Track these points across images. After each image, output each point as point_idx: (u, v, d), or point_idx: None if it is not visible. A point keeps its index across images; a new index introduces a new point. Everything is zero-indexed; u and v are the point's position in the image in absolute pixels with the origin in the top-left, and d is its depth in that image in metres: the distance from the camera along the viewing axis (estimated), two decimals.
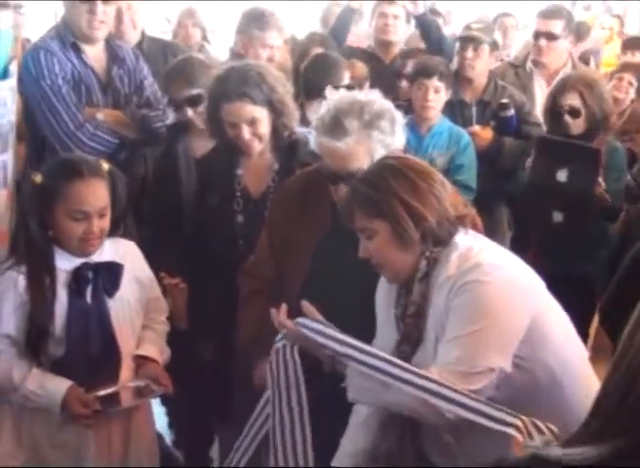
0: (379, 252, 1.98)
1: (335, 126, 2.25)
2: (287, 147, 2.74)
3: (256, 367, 2.44)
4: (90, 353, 2.29)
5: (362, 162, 2.24)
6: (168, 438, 3.30)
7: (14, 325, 2.25)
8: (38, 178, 2.24)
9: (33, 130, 3.23)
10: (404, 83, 3.90)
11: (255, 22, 3.72)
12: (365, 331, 2.22)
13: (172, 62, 3.26)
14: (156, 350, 2.45)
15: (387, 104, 2.32)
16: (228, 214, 2.73)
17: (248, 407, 2.33)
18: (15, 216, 2.98)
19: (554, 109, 3.39)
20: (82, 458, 2.31)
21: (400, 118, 2.33)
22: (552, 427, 1.69)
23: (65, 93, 3.15)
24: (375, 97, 2.33)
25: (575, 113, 3.33)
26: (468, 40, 3.82)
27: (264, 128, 2.69)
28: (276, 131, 2.72)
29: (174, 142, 3.06)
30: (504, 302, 1.86)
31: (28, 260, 2.25)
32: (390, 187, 1.93)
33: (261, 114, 2.66)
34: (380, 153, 2.24)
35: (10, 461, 2.27)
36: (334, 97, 2.36)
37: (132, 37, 3.63)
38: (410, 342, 1.96)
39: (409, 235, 1.92)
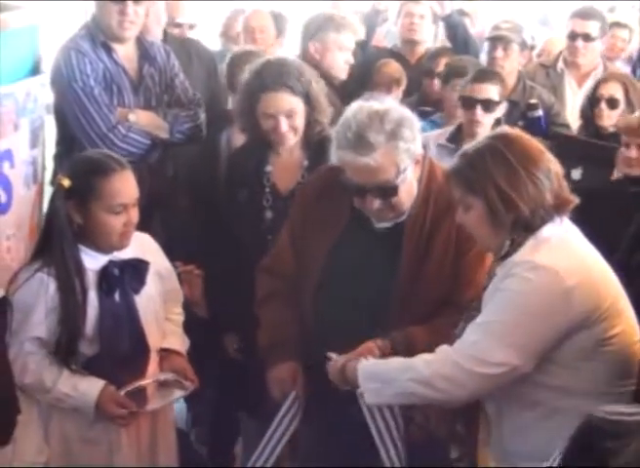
0: (471, 225, 2.08)
1: (359, 142, 2.25)
2: (317, 144, 2.80)
3: (270, 372, 2.47)
4: (121, 351, 2.36)
5: (389, 174, 2.28)
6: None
7: (46, 328, 2.30)
8: (66, 182, 2.29)
9: (63, 130, 3.31)
10: (435, 82, 3.95)
11: (329, 26, 3.68)
12: (381, 327, 2.33)
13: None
14: (179, 342, 2.54)
15: (404, 111, 2.35)
16: (257, 209, 2.79)
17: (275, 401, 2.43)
18: (39, 214, 3.13)
19: (593, 97, 3.47)
20: (113, 455, 2.38)
21: (417, 122, 2.37)
22: None
23: (97, 94, 3.21)
24: (391, 105, 2.35)
25: (613, 103, 3.40)
26: (498, 40, 3.90)
27: (300, 120, 2.77)
28: (308, 126, 2.79)
29: (216, 134, 3.14)
30: (539, 306, 1.92)
31: (59, 263, 2.29)
32: (487, 170, 1.97)
33: (298, 106, 2.75)
34: (405, 162, 2.29)
35: (37, 457, 2.33)
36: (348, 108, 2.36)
37: (154, 34, 3.66)
38: (478, 310, 2.07)
39: (500, 218, 1.98)
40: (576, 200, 2.05)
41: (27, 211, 2.88)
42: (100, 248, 2.37)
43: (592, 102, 3.52)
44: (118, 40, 3.30)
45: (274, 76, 2.74)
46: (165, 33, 3.79)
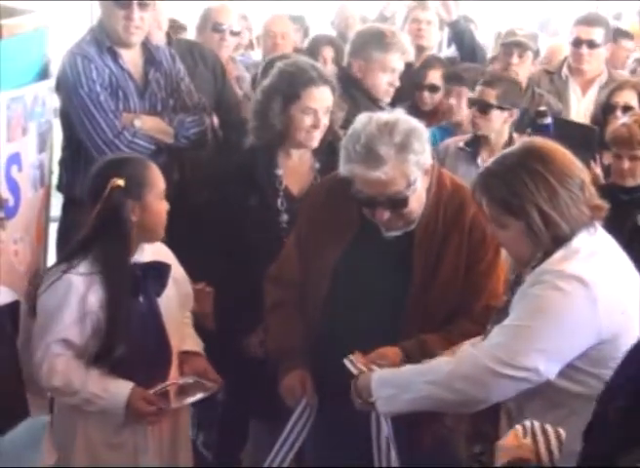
0: (505, 242, 2.11)
1: (369, 155, 2.27)
2: (327, 146, 2.85)
3: (281, 379, 2.50)
4: (146, 353, 2.42)
5: (399, 186, 2.30)
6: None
7: (76, 331, 2.35)
8: (121, 181, 2.38)
9: (69, 135, 3.33)
10: (425, 94, 3.99)
11: (376, 44, 3.55)
12: (391, 336, 2.37)
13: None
14: (196, 344, 2.60)
15: (413, 122, 2.36)
16: (272, 213, 2.83)
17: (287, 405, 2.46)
18: (46, 217, 3.15)
19: (607, 105, 3.53)
20: (138, 458, 2.42)
21: (426, 133, 2.39)
22: (561, 431, 1.78)
23: (103, 100, 3.24)
24: (400, 116, 2.36)
25: (628, 111, 3.45)
26: (514, 45, 3.97)
27: (327, 120, 2.83)
28: (332, 125, 2.84)
29: (240, 139, 3.14)
30: (568, 314, 1.94)
31: (112, 265, 2.38)
32: (528, 194, 1.97)
33: (331, 106, 2.82)
34: (415, 174, 2.32)
35: (46, 459, 2.31)
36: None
37: (157, 37, 3.66)
38: (504, 313, 2.09)
39: (539, 237, 2.00)
40: (606, 205, 2.07)
41: (34, 214, 2.91)
42: (150, 239, 2.49)
43: (606, 110, 3.56)
44: (124, 45, 3.33)
45: (317, 72, 2.80)
46: (169, 37, 3.81)
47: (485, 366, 1.98)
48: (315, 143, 2.84)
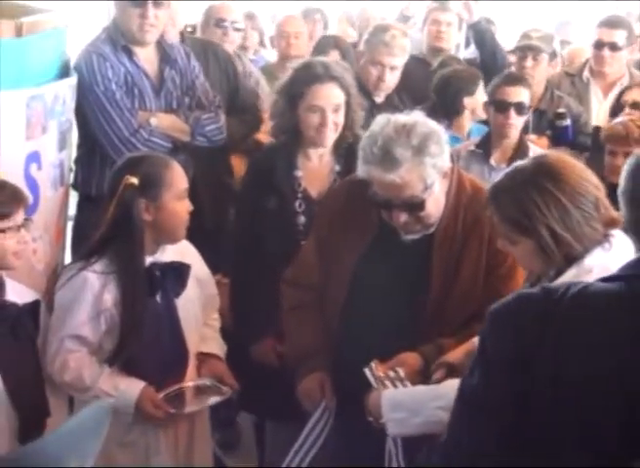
0: (520, 257, 2.11)
1: (385, 157, 2.29)
2: (347, 149, 2.88)
3: (299, 384, 2.54)
4: (161, 352, 2.47)
5: (416, 189, 2.32)
6: None
7: (90, 327, 2.41)
8: (135, 180, 2.42)
9: (84, 133, 3.40)
10: None
11: (369, 38, 3.81)
12: (409, 341, 2.40)
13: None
14: (217, 346, 2.65)
15: (431, 124, 2.38)
16: (290, 215, 2.87)
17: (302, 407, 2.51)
18: (65, 216, 3.23)
19: (618, 104, 3.60)
20: (150, 458, 2.47)
21: (444, 135, 2.40)
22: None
23: (119, 98, 3.30)
24: (418, 118, 2.38)
25: (636, 107, 3.52)
26: (528, 49, 4.03)
27: (342, 119, 2.85)
28: (344, 127, 2.87)
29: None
30: None
31: (127, 264, 2.42)
32: (540, 215, 1.96)
33: (342, 103, 2.84)
34: (432, 177, 2.34)
35: None
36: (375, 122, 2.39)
37: (171, 36, 3.72)
38: None
39: (550, 257, 2.00)
40: (622, 219, 2.01)
41: (54, 213, 2.96)
42: (169, 240, 2.52)
43: (616, 110, 3.63)
44: (139, 43, 3.38)
45: (323, 70, 2.83)
46: (182, 35, 3.87)
47: None
48: (327, 142, 2.87)
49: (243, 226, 3.00)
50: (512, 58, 4.35)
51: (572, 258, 2.01)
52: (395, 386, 2.30)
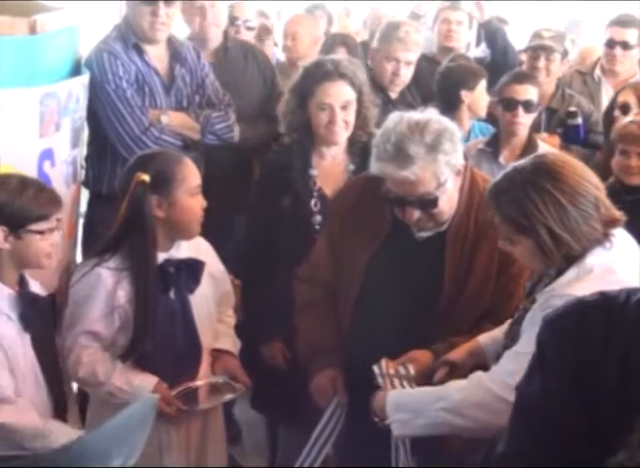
0: (520, 256, 2.13)
1: (399, 154, 2.31)
2: (362, 148, 2.89)
3: (312, 380, 2.57)
4: (174, 349, 2.49)
5: (429, 186, 2.34)
6: None
7: (103, 324, 2.43)
8: (146, 177, 2.45)
9: (95, 130, 3.42)
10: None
11: (383, 34, 3.84)
12: (421, 338, 2.42)
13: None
14: (231, 343, 2.67)
15: (445, 122, 2.39)
16: (306, 214, 2.90)
17: (314, 407, 2.55)
18: (77, 213, 3.27)
19: (610, 105, 3.63)
20: (163, 456, 2.50)
21: (458, 133, 2.42)
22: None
23: (130, 96, 3.34)
24: (432, 116, 2.39)
25: (626, 109, 3.53)
26: (540, 48, 4.07)
27: (352, 116, 2.87)
28: (357, 125, 2.89)
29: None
30: None
31: (139, 261, 2.44)
32: (537, 215, 1.98)
33: (353, 99, 2.86)
34: (445, 174, 2.35)
35: None
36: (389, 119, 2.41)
37: (214, 36, 3.78)
38: (518, 326, 2.14)
39: (549, 255, 2.03)
40: (623, 217, 2.08)
41: (67, 210, 2.95)
42: (182, 236, 2.53)
43: (608, 112, 3.65)
44: (150, 41, 3.42)
45: (332, 67, 2.85)
46: (225, 35, 3.89)
47: (496, 394, 2.02)
48: (338, 139, 2.89)
49: (257, 226, 3.03)
50: (523, 58, 4.38)
51: (571, 258, 2.03)
52: (402, 384, 2.32)
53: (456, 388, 2.13)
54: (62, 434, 2.20)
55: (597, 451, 1.38)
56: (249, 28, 4.41)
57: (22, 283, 2.38)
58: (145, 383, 2.44)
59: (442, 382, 2.30)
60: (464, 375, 2.28)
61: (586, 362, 1.43)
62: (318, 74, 2.86)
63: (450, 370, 2.34)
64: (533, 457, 1.47)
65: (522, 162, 2.10)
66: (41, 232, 2.32)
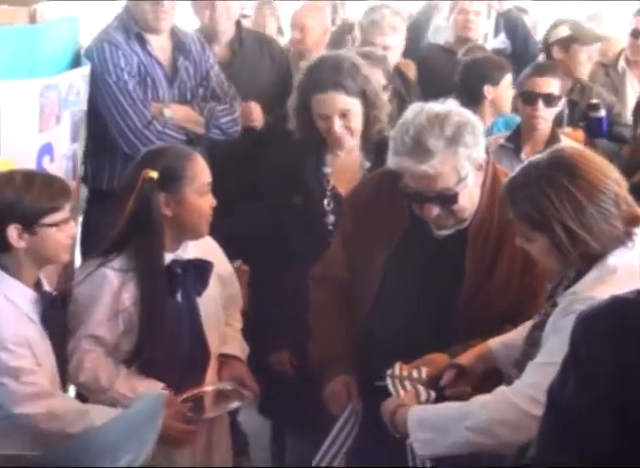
0: (536, 254, 2.12)
1: (418, 148, 2.30)
2: (377, 145, 2.89)
3: (326, 387, 2.57)
4: (181, 354, 2.49)
5: (449, 181, 2.33)
6: None
7: (108, 328, 2.42)
8: (154, 174, 2.44)
9: (94, 124, 3.38)
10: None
11: (365, 20, 3.91)
12: (440, 341, 2.42)
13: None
14: (239, 348, 2.66)
15: (466, 114, 2.38)
16: (318, 213, 2.90)
17: (324, 415, 2.55)
18: (77, 208, 3.25)
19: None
20: (170, 461, 2.48)
21: (480, 125, 2.41)
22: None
23: (132, 89, 3.34)
24: (452, 108, 2.38)
25: None
26: (559, 40, 4.08)
27: (357, 121, 2.86)
28: (368, 125, 2.88)
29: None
30: None
31: (147, 262, 2.44)
32: (553, 212, 1.98)
33: (354, 106, 2.85)
34: (466, 169, 2.34)
35: None
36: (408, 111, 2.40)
37: (226, 27, 3.76)
38: (539, 331, 2.14)
39: (566, 253, 2.02)
40: None
41: None
42: (190, 236, 2.53)
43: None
44: (152, 31, 3.41)
45: (327, 76, 2.83)
46: (238, 25, 3.88)
47: (522, 409, 2.01)
48: (345, 146, 2.89)
49: (267, 226, 3.03)
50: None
51: (590, 258, 2.02)
52: (415, 388, 2.33)
53: (479, 404, 2.11)
54: (99, 413, 2.27)
55: (632, 454, 1.38)
56: (244, 16, 4.39)
57: (38, 282, 2.38)
58: (150, 390, 2.41)
59: (449, 386, 2.31)
60: (474, 380, 2.31)
61: (625, 362, 1.41)
62: (312, 84, 2.86)
63: (458, 374, 2.34)
64: (566, 461, 1.47)
65: (539, 156, 2.10)
66: (56, 224, 2.31)
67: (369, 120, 2.89)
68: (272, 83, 3.85)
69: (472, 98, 3.73)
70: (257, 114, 3.69)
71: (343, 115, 2.85)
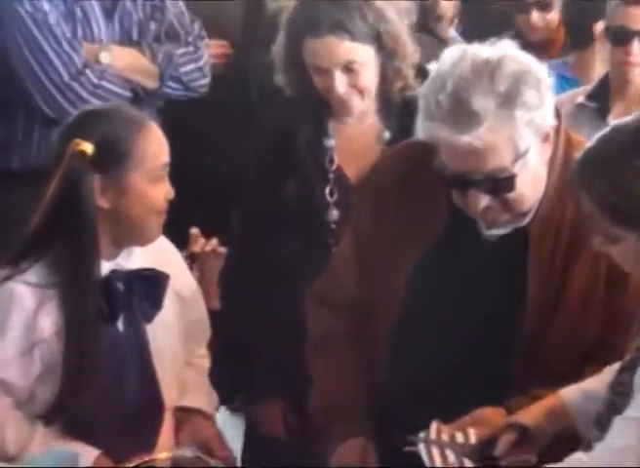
0: (622, 260, 2.16)
1: (458, 110, 2.31)
2: (400, 107, 2.93)
3: (332, 452, 2.60)
4: (122, 406, 2.50)
5: (502, 158, 2.34)
6: None
7: (18, 369, 2.43)
8: (89, 148, 2.43)
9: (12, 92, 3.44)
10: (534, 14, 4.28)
11: None
12: (493, 389, 2.45)
13: None
14: (204, 398, 2.70)
15: (527, 60, 2.40)
16: (317, 205, 2.94)
17: None
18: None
19: None
20: None
21: (547, 76, 2.41)
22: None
23: (54, 23, 3.38)
24: (507, 51, 2.40)
25: None
26: None
27: (368, 77, 2.90)
28: (385, 82, 2.92)
29: None
30: None
31: (72, 272, 2.45)
32: None
33: (365, 56, 2.88)
34: (527, 140, 2.34)
35: None
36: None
37: None
38: (630, 374, 2.17)
39: None
40: None
41: None
42: (134, 239, 2.55)
43: None
44: None
45: (323, 12, 2.86)
46: None
47: None
48: (350, 110, 2.96)
49: (250, 226, 3.06)
50: None
51: None
52: (459, 460, 2.34)
53: None
54: None
55: None
56: None
57: None
58: (83, 453, 2.43)
59: (507, 455, 2.33)
60: (540, 446, 2.33)
61: None
62: (303, 23, 2.90)
63: (519, 438, 2.36)
64: None
65: (624, 121, 2.14)
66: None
67: (386, 75, 2.93)
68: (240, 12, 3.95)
69: (579, 37, 3.82)
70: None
71: (348, 69, 2.89)
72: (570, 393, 2.39)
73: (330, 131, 3.00)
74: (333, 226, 2.96)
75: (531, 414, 2.37)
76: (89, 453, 2.46)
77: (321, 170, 2.97)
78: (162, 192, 2.55)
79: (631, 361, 2.19)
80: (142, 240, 2.57)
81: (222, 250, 3.01)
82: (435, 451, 2.35)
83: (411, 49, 2.99)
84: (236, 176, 3.21)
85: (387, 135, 2.99)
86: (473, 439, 2.37)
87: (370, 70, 2.91)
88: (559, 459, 2.18)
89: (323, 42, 2.87)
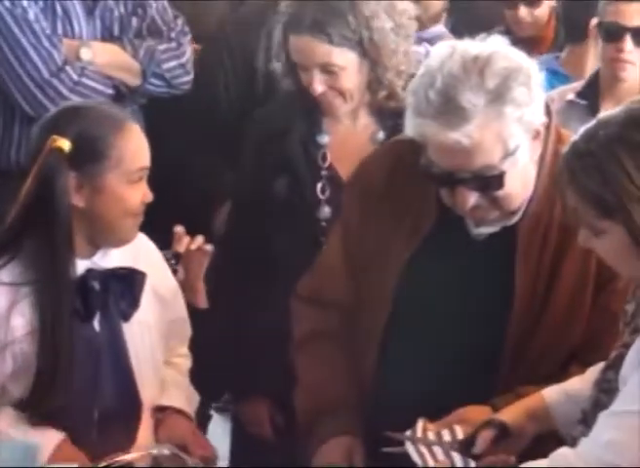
0: (607, 253, 2.13)
1: (447, 106, 2.31)
2: (395, 108, 2.89)
3: (317, 451, 2.60)
4: (99, 406, 2.50)
5: (491, 156, 2.34)
6: None
7: None
8: (67, 145, 2.42)
9: None
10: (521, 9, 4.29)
11: None
12: (480, 387, 2.45)
13: None
14: (183, 397, 2.69)
15: (516, 57, 2.40)
16: (308, 204, 2.94)
17: None
18: None
19: None
20: None
21: (537, 73, 2.41)
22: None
23: (33, 19, 3.36)
24: (497, 48, 2.40)
25: None
26: None
27: (349, 80, 2.91)
28: (371, 89, 2.92)
29: None
30: None
31: (47, 269, 2.43)
32: (633, 189, 2.00)
33: (344, 60, 2.89)
34: (517, 137, 2.35)
35: None
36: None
37: None
38: (615, 371, 2.15)
39: None
40: None
41: None
42: (107, 240, 2.53)
43: None
44: None
45: (309, 11, 2.87)
46: None
47: None
48: (333, 111, 2.95)
49: (242, 225, 3.06)
50: None
51: None
52: (449, 456, 2.34)
53: None
54: None
55: None
56: None
57: None
58: (44, 438, 2.43)
59: (489, 453, 2.33)
60: (520, 446, 2.34)
61: None
62: (288, 18, 2.92)
63: (499, 436, 2.36)
64: None
65: (609, 113, 2.13)
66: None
67: (374, 80, 2.94)
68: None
69: (574, 33, 3.79)
70: None
71: (327, 70, 2.89)
72: (553, 394, 2.39)
73: (323, 127, 3.00)
74: (324, 224, 2.97)
75: (511, 413, 2.37)
76: (50, 439, 2.44)
77: (313, 166, 2.98)
78: (139, 194, 2.53)
79: (616, 358, 2.18)
80: (116, 241, 2.56)
81: (209, 247, 2.98)
82: (424, 450, 2.34)
83: (400, 60, 2.97)
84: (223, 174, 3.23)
85: (382, 135, 3.00)
86: (460, 436, 2.37)
87: (351, 74, 2.91)
88: (544, 456, 2.17)
89: (302, 40, 2.89)
